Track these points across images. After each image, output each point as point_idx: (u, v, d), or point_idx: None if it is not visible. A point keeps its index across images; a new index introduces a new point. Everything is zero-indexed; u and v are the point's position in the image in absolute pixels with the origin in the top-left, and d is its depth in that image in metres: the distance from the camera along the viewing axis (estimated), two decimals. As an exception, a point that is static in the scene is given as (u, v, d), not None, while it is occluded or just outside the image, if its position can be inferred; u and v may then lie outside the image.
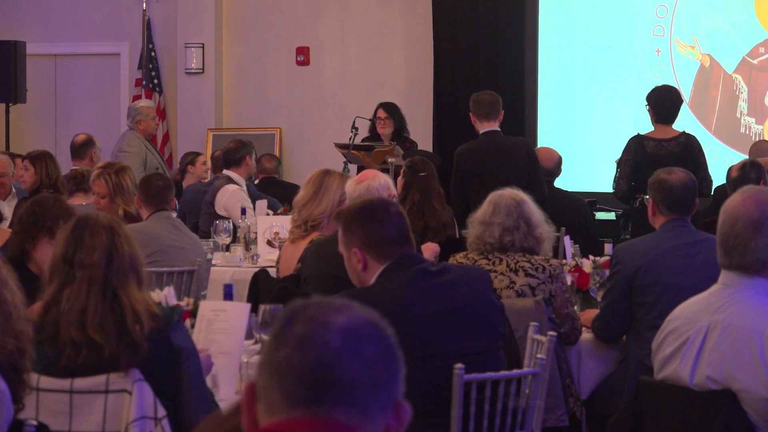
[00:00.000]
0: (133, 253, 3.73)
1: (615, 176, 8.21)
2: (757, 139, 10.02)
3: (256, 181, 9.60)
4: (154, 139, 10.83)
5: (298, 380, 1.73)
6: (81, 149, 9.13)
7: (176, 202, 8.58)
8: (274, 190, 9.34)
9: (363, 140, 9.80)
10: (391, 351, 1.78)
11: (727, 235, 3.44)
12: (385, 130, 10.02)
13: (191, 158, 10.48)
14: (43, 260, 4.55)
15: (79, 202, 7.32)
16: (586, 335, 5.41)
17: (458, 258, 5.19)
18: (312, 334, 1.75)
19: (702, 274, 4.90)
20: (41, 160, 8.22)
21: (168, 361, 3.63)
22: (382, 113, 10.09)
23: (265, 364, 1.78)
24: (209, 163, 10.54)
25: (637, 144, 8.09)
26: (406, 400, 1.79)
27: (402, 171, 7.36)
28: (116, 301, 3.62)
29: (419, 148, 10.53)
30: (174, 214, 8.30)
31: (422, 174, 7.27)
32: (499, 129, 8.12)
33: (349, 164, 9.14)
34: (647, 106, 8.21)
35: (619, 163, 8.20)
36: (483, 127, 8.08)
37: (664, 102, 8.14)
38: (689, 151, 8.02)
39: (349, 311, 1.79)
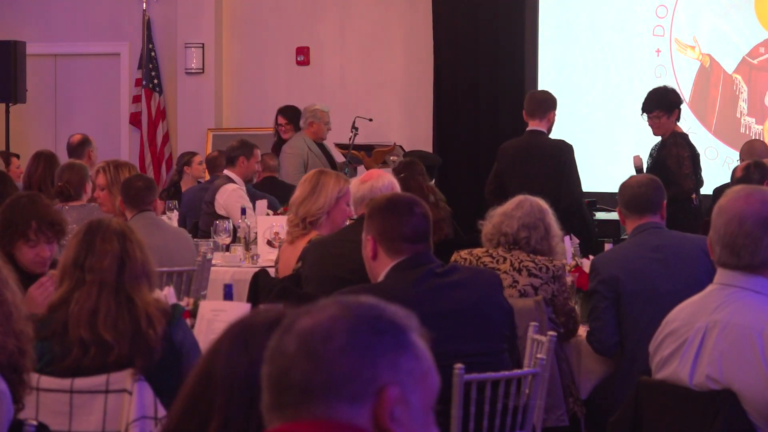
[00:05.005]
0: (145, 258, 3.78)
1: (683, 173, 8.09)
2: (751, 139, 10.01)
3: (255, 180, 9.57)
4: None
5: (267, 391, 1.80)
6: (78, 149, 9.17)
7: (176, 203, 8.57)
8: (275, 190, 9.33)
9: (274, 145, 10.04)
10: (358, 341, 1.77)
11: (735, 235, 3.41)
12: (287, 135, 10.27)
13: (187, 158, 10.47)
14: (25, 262, 4.52)
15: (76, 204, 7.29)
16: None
17: (462, 254, 5.21)
18: (278, 345, 1.80)
19: (680, 276, 4.95)
20: (34, 159, 8.17)
21: (169, 360, 3.63)
22: (281, 119, 10.39)
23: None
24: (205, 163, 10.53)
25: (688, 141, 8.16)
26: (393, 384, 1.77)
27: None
28: (132, 305, 3.65)
29: (419, 148, 10.51)
30: (178, 214, 8.33)
31: (401, 176, 7.27)
32: (543, 130, 8.17)
33: (348, 165, 9.11)
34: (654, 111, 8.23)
35: (683, 158, 8.06)
36: (529, 126, 8.18)
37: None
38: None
39: (321, 312, 1.80)
